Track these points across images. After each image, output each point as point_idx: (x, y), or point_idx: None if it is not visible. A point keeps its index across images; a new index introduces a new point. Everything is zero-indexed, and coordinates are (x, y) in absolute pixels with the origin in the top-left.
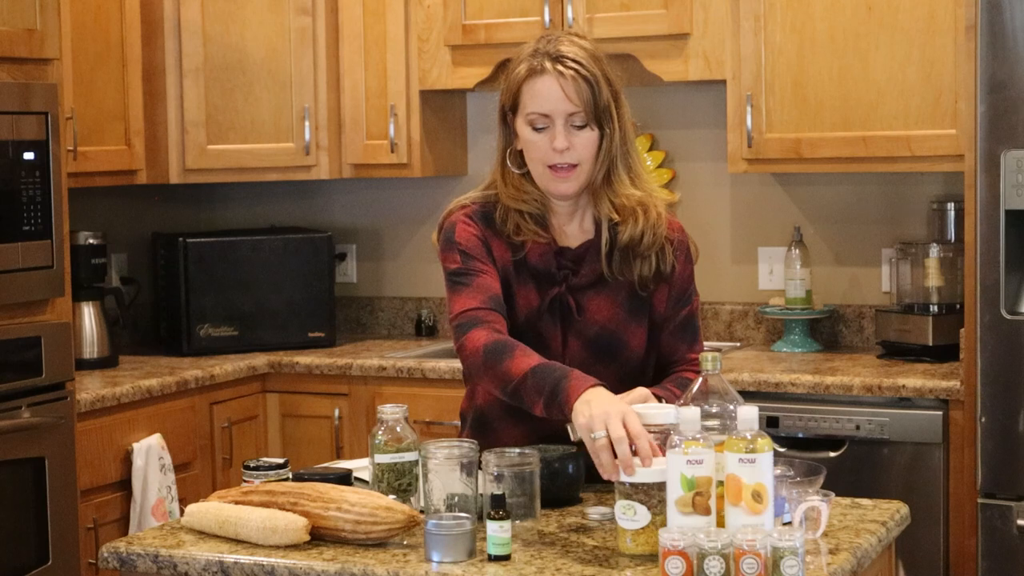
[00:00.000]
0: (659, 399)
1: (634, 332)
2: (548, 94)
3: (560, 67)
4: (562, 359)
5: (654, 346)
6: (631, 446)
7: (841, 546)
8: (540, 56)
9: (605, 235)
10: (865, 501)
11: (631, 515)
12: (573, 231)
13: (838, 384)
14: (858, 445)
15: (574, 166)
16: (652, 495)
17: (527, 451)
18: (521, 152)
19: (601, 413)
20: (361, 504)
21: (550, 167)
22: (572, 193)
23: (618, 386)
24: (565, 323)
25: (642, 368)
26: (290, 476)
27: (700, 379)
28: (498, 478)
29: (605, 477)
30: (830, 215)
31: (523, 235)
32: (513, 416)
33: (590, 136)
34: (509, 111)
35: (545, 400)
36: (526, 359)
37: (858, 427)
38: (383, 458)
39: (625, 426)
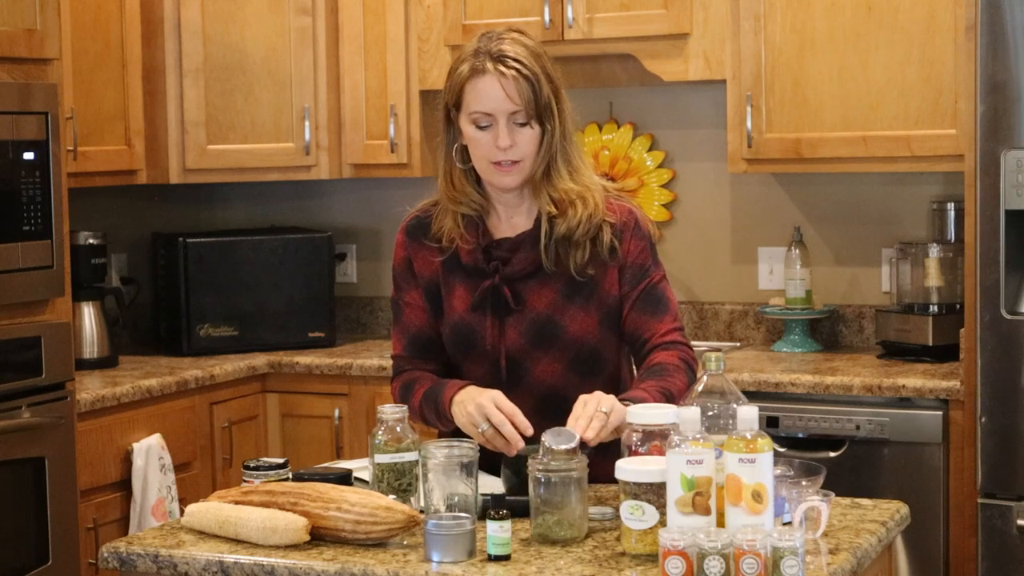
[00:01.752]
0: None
1: (573, 316)
2: (490, 93)
3: (501, 67)
4: (500, 349)
5: (610, 332)
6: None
7: (841, 546)
8: (482, 56)
9: (544, 226)
10: (865, 501)
11: (639, 515)
12: (520, 221)
13: (838, 384)
14: (858, 445)
15: (517, 162)
16: (661, 494)
17: (575, 456)
18: (466, 147)
19: (475, 407)
20: (361, 504)
21: (494, 163)
22: (515, 186)
23: (568, 373)
24: (500, 314)
25: (593, 355)
26: (290, 476)
27: (703, 378)
28: (545, 484)
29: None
30: (830, 215)
31: (453, 240)
32: None
33: (532, 133)
34: (452, 108)
35: (437, 418)
36: (420, 390)
37: (858, 427)
38: (383, 458)
39: (499, 408)
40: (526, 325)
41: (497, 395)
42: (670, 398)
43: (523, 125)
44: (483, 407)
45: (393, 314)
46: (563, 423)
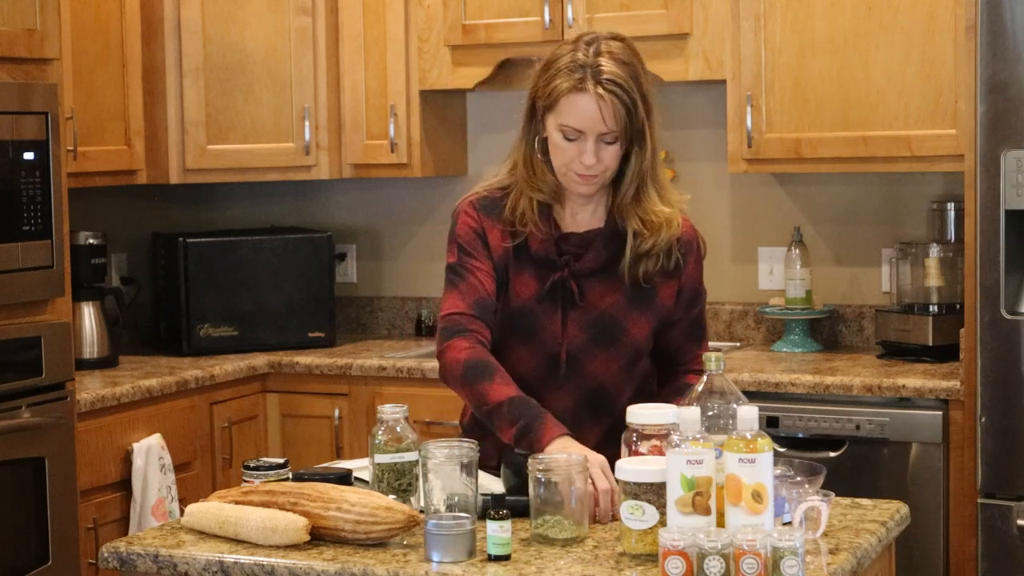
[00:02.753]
0: None
1: (635, 320)
2: (586, 113)
3: (601, 89)
4: (561, 342)
5: (653, 338)
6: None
7: (841, 546)
8: (582, 71)
9: (630, 243)
10: (865, 501)
11: (639, 515)
12: (585, 218)
13: (838, 384)
14: (858, 445)
15: (596, 176)
16: (661, 494)
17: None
18: (546, 140)
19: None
20: (361, 504)
21: (575, 172)
22: (591, 194)
23: (622, 373)
24: (565, 307)
25: (640, 357)
26: (290, 476)
27: (704, 379)
28: (545, 484)
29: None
30: (830, 215)
31: (526, 224)
32: None
33: (616, 150)
34: (543, 108)
35: (517, 433)
36: (504, 388)
37: (858, 427)
38: (383, 458)
39: (605, 476)
40: (588, 322)
41: (603, 462)
42: None
43: (611, 143)
44: (591, 465)
45: (451, 280)
46: (608, 420)
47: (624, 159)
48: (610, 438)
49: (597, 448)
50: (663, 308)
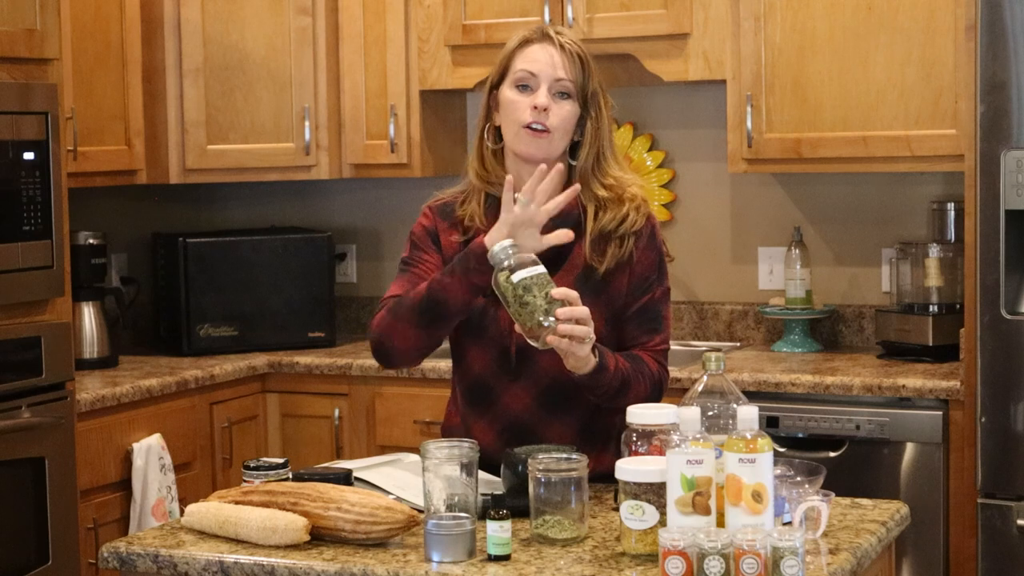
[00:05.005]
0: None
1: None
2: (540, 57)
3: (560, 38)
4: (509, 336)
5: (613, 331)
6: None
7: (841, 546)
8: (536, 31)
9: (590, 218)
10: (865, 501)
11: (639, 515)
12: None
13: (838, 384)
14: (858, 445)
15: (547, 131)
16: (661, 494)
17: (575, 456)
18: (499, 129)
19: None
20: (361, 504)
21: (525, 127)
22: (541, 157)
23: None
24: None
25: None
26: (290, 476)
27: (703, 378)
28: (545, 484)
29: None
30: (830, 215)
31: (475, 220)
32: (478, 408)
33: (571, 108)
34: (495, 86)
35: (460, 271)
36: (422, 286)
37: (858, 427)
38: (522, 274)
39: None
40: None
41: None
42: (625, 386)
43: (565, 98)
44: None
45: (401, 268)
46: (564, 413)
47: (580, 128)
48: (584, 437)
49: (565, 443)
50: (618, 298)
